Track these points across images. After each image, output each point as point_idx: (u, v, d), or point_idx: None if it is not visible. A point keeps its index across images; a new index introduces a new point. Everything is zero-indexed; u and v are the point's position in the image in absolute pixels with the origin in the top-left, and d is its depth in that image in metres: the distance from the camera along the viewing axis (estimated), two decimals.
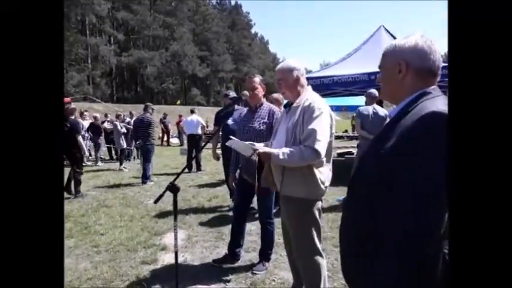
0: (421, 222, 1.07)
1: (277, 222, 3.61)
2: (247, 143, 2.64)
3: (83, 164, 7.80)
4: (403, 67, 1.29)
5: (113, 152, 13.60)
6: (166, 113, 21.65)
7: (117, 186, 8.28)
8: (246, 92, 3.38)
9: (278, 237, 3.81)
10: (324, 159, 2.42)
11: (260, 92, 3.48)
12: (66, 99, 13.38)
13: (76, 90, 38.05)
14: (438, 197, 1.03)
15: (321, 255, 2.55)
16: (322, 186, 2.44)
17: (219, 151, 6.15)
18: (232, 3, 73.78)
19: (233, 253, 3.69)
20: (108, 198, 6.89)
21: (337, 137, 19.37)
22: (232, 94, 6.17)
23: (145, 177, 8.42)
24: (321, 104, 2.45)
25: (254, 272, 3.48)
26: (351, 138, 21.09)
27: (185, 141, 13.49)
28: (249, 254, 3.94)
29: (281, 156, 2.34)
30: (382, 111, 5.83)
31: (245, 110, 3.86)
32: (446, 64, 0.94)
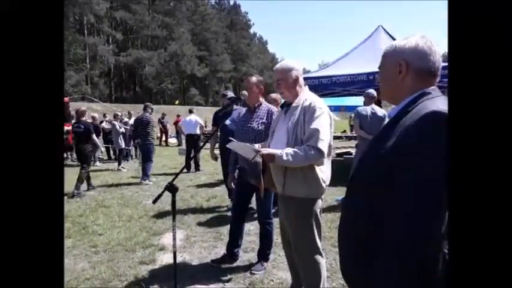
0: (422, 222, 1.07)
1: (276, 222, 3.61)
2: (248, 144, 2.64)
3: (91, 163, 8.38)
4: (404, 67, 1.30)
5: (111, 152, 13.57)
6: (165, 113, 21.59)
7: (116, 186, 8.26)
8: (244, 92, 3.38)
9: (277, 237, 3.80)
10: (325, 158, 2.45)
11: (257, 92, 3.47)
12: (64, 99, 13.36)
13: (74, 90, 38.01)
14: (439, 197, 1.03)
15: (321, 255, 2.56)
16: (323, 184, 2.47)
17: (217, 151, 6.14)
18: (231, 3, 73.84)
19: (232, 253, 3.68)
20: (107, 198, 6.88)
21: (336, 137, 19.38)
22: (230, 94, 6.16)
23: (145, 175, 8.49)
24: (321, 104, 2.48)
25: (253, 272, 3.48)
26: (349, 138, 21.12)
27: (183, 141, 13.47)
28: (247, 254, 3.94)
29: (285, 157, 2.33)
30: (380, 111, 5.83)
31: (244, 110, 3.86)
32: (446, 64, 0.94)
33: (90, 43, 45.83)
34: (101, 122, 13.26)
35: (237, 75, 65.48)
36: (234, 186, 3.69)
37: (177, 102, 39.94)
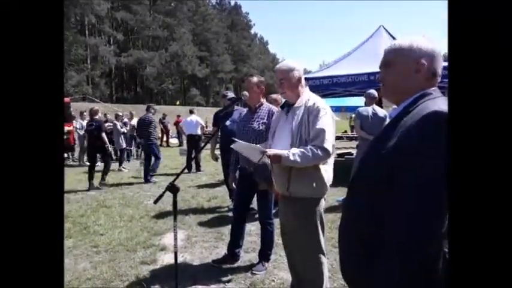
0: (423, 222, 1.07)
1: (277, 222, 3.61)
2: (253, 145, 2.60)
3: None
4: (422, 67, 1.30)
5: (112, 152, 13.57)
6: (166, 113, 21.61)
7: (117, 186, 8.27)
8: (245, 93, 3.37)
9: (278, 238, 3.79)
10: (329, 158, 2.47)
11: (258, 92, 3.47)
12: (65, 99, 13.39)
13: (75, 91, 38.07)
14: (440, 197, 1.03)
15: (324, 255, 2.57)
16: (327, 184, 2.49)
17: (217, 152, 6.15)
18: (232, 3, 73.86)
19: (233, 253, 3.68)
20: (108, 198, 6.89)
21: (337, 138, 19.27)
22: (231, 95, 6.16)
23: (149, 175, 8.64)
24: (324, 104, 2.49)
25: (254, 272, 3.48)
26: (350, 138, 21.10)
27: (184, 142, 13.48)
28: (248, 254, 3.94)
29: (292, 158, 2.33)
30: (381, 111, 5.83)
31: (244, 110, 3.86)
32: (446, 64, 0.94)
33: (91, 43, 45.88)
34: (87, 122, 13.25)
35: (237, 75, 65.48)
36: (235, 187, 3.69)
37: (178, 102, 39.97)
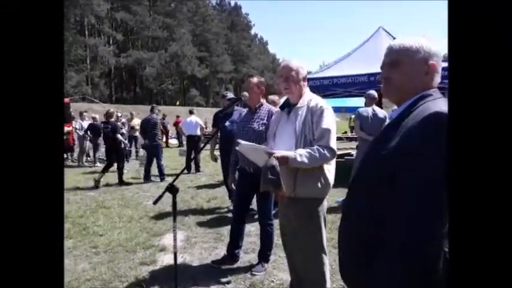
0: (425, 223, 1.07)
1: (277, 223, 3.61)
2: (259, 146, 2.55)
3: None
4: (432, 69, 1.30)
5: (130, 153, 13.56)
6: (165, 113, 21.60)
7: (116, 186, 8.26)
8: (245, 93, 3.37)
9: (277, 239, 3.79)
10: None
11: (258, 92, 3.47)
12: (65, 100, 13.38)
13: (75, 91, 38.08)
14: (441, 197, 1.03)
15: (326, 255, 2.57)
16: (331, 184, 2.50)
17: (217, 152, 6.15)
18: (232, 4, 73.90)
19: (232, 254, 3.68)
20: (107, 199, 6.89)
21: (337, 138, 19.22)
22: (230, 95, 6.17)
23: (161, 174, 8.78)
24: (327, 104, 2.50)
25: (253, 273, 3.48)
26: (350, 139, 21.09)
27: (184, 142, 13.47)
28: (248, 255, 3.93)
29: (299, 159, 2.31)
30: (381, 112, 5.83)
31: (244, 110, 3.86)
32: (446, 65, 0.94)
33: (90, 44, 45.87)
34: (102, 122, 13.26)
35: (237, 76, 65.53)
36: (234, 187, 3.69)
37: (177, 103, 39.98)
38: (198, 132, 9.89)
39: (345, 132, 25.12)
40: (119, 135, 8.62)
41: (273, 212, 3.63)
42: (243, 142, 2.64)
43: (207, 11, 63.15)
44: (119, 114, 12.63)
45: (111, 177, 9.61)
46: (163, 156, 9.44)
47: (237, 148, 2.79)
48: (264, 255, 3.61)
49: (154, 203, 2.44)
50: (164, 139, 20.49)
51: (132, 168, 10.91)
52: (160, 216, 5.54)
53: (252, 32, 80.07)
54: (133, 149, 13.54)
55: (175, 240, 2.47)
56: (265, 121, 3.38)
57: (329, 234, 4.46)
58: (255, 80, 3.49)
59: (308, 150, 2.35)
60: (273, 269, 3.59)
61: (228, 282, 3.34)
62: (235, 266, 3.67)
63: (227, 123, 5.18)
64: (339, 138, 21.30)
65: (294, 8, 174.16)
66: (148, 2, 53.04)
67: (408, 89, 1.33)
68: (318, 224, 2.49)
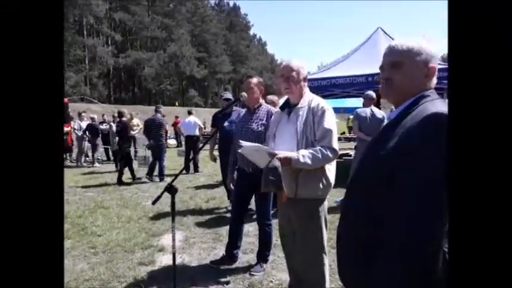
0: (424, 223, 1.08)
1: (275, 223, 3.60)
2: (262, 146, 2.52)
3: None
4: (432, 72, 1.31)
5: (110, 153, 13.55)
6: (164, 114, 21.49)
7: (114, 187, 8.25)
8: (244, 94, 3.37)
9: (276, 239, 3.79)
10: None
11: (258, 92, 3.48)
12: (64, 100, 13.35)
13: (73, 91, 37.98)
14: (440, 197, 1.03)
15: (326, 255, 2.57)
16: (332, 184, 2.52)
17: (216, 152, 6.14)
18: (231, 4, 73.86)
19: (231, 254, 3.68)
20: (105, 199, 6.87)
21: None
22: (227, 95, 6.17)
23: (161, 175, 8.81)
24: (327, 105, 2.51)
25: (252, 273, 3.48)
26: (348, 139, 21.09)
27: (183, 143, 13.44)
28: (246, 255, 3.93)
29: (302, 160, 2.32)
30: (379, 113, 5.84)
31: (243, 111, 3.86)
32: (446, 66, 0.95)
33: (89, 44, 45.75)
34: (101, 123, 13.25)
35: (236, 76, 65.47)
36: (232, 187, 3.69)
37: (176, 103, 39.95)
38: (197, 133, 9.89)
39: (343, 133, 25.09)
40: (132, 132, 9.07)
41: (272, 212, 3.63)
42: (245, 143, 2.61)
43: (206, 11, 63.06)
44: (116, 115, 12.57)
45: (111, 176, 9.60)
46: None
47: (239, 150, 2.75)
48: (262, 256, 3.61)
49: (153, 203, 2.44)
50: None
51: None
52: (159, 216, 5.54)
53: (251, 32, 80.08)
54: (132, 149, 13.49)
55: (174, 240, 2.47)
56: (264, 121, 3.38)
57: (328, 234, 4.46)
58: (254, 80, 3.49)
59: (310, 150, 2.35)
60: (272, 269, 3.59)
61: (227, 283, 3.34)
62: (233, 266, 3.67)
63: (226, 124, 5.18)
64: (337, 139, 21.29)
65: (292, 8, 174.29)
66: (147, 2, 52.96)
67: (408, 90, 1.33)
68: (318, 224, 2.50)
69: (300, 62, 2.58)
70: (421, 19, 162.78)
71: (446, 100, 1.00)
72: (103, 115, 15.52)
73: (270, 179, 2.30)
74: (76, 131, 12.73)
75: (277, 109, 3.45)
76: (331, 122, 2.43)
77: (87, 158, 13.31)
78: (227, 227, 3.87)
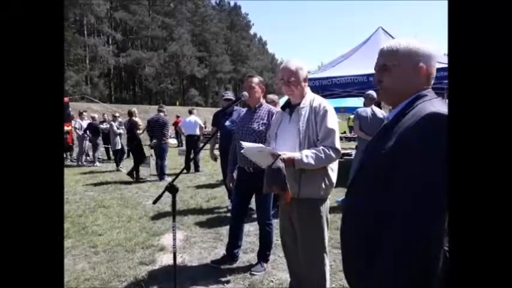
0: (422, 222, 1.08)
1: (276, 223, 3.61)
2: (265, 147, 2.50)
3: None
4: (424, 71, 1.31)
5: (111, 153, 13.55)
6: (166, 113, 21.50)
7: (115, 186, 8.26)
8: (245, 93, 3.36)
9: (276, 238, 3.80)
10: None
11: (260, 91, 3.48)
12: (64, 99, 13.36)
13: (74, 91, 37.98)
14: (438, 197, 1.04)
15: (326, 255, 2.57)
16: (334, 184, 2.52)
17: (216, 152, 6.14)
18: (232, 4, 73.79)
19: (231, 254, 3.68)
20: (106, 198, 6.88)
21: None
22: (228, 95, 6.17)
23: (162, 174, 8.85)
24: (329, 105, 2.51)
25: (252, 272, 3.48)
26: (349, 139, 21.08)
27: (183, 142, 13.46)
28: (247, 255, 3.93)
29: (305, 160, 2.32)
30: (380, 112, 5.84)
31: (244, 110, 3.86)
32: (446, 66, 0.95)
33: (90, 44, 45.77)
34: (101, 122, 13.25)
35: (236, 76, 65.49)
36: (232, 187, 3.69)
37: (177, 103, 39.97)
38: (197, 132, 9.89)
39: (344, 132, 25.08)
40: (137, 132, 9.08)
41: (272, 212, 3.63)
42: (247, 144, 2.58)
43: (207, 10, 63.05)
44: (117, 114, 12.58)
45: (111, 176, 9.61)
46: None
47: (242, 151, 2.72)
48: (263, 255, 3.61)
49: (154, 202, 2.44)
50: None
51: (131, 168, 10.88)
52: (159, 215, 5.54)
53: (252, 32, 79.99)
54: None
55: (174, 240, 2.47)
56: (265, 121, 3.38)
57: (329, 234, 4.45)
58: (255, 79, 3.49)
59: (313, 151, 2.35)
60: (272, 269, 3.59)
61: (227, 282, 3.34)
62: (234, 265, 3.67)
63: (227, 123, 5.18)
64: None
65: (293, 8, 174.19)
66: (148, 1, 52.93)
67: (400, 92, 1.34)
68: (320, 224, 2.50)
69: (298, 63, 2.57)
70: (422, 19, 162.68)
71: (446, 100, 1.01)
72: (103, 114, 15.52)
73: (274, 180, 2.28)
74: (77, 130, 12.74)
75: (278, 109, 3.45)
76: (333, 121, 2.44)
77: (87, 158, 13.32)
78: (228, 227, 3.87)
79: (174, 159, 12.99)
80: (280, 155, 2.33)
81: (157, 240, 4.46)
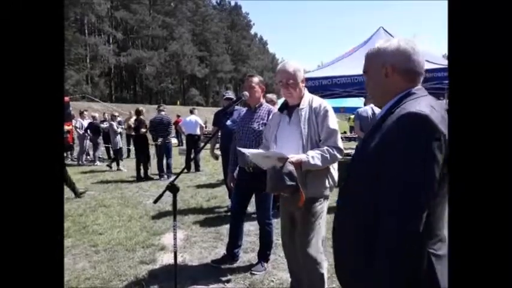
0: (401, 219, 1.11)
1: (276, 223, 3.61)
2: (269, 153, 2.48)
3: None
4: (390, 70, 1.32)
5: (111, 152, 13.55)
6: (167, 113, 21.51)
7: (116, 185, 8.27)
8: (245, 93, 3.36)
9: (277, 238, 3.80)
10: None
11: (260, 91, 3.48)
12: (65, 99, 13.37)
13: (74, 90, 38.01)
14: (416, 195, 1.08)
15: (323, 254, 2.58)
16: (336, 182, 2.55)
17: (217, 151, 6.14)
18: (232, 3, 73.77)
19: (232, 253, 3.68)
20: (107, 198, 6.88)
21: None
22: (228, 95, 6.17)
23: (169, 172, 9.05)
24: (328, 104, 2.54)
25: (253, 272, 3.48)
26: (349, 139, 21.09)
27: (184, 141, 13.45)
28: (247, 254, 3.93)
29: (312, 161, 2.33)
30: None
31: (244, 110, 3.86)
32: (446, 66, 0.95)
33: (90, 43, 45.82)
34: (102, 121, 13.25)
35: (237, 75, 65.48)
36: (233, 186, 3.69)
37: (178, 102, 39.99)
38: (198, 132, 9.89)
39: (344, 132, 25.08)
40: (142, 130, 9.13)
41: (272, 212, 3.63)
42: (252, 151, 2.57)
43: (207, 10, 63.08)
44: (116, 114, 12.57)
45: (112, 176, 9.62)
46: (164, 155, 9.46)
47: (249, 158, 2.70)
48: (263, 255, 3.61)
49: (155, 202, 2.44)
50: None
51: (131, 167, 10.89)
52: (160, 215, 5.55)
53: (252, 31, 79.97)
54: (132, 148, 13.51)
55: (175, 239, 2.47)
56: (265, 121, 3.37)
57: (327, 234, 4.46)
58: (256, 79, 3.49)
59: (318, 151, 2.36)
60: (273, 269, 3.59)
61: (228, 282, 3.35)
62: (234, 265, 3.67)
63: (228, 122, 5.18)
64: None
65: (293, 7, 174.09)
66: (149, 1, 52.96)
67: (379, 93, 1.39)
68: (320, 224, 2.51)
69: (296, 64, 2.57)
70: (422, 19, 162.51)
71: (445, 100, 1.01)
72: (104, 114, 15.52)
73: (287, 184, 2.27)
74: (77, 129, 12.74)
75: (276, 108, 3.45)
76: (334, 121, 2.47)
77: (88, 157, 13.32)
78: (228, 226, 3.87)
79: (175, 159, 12.93)
80: (288, 158, 2.31)
81: (157, 239, 4.47)
